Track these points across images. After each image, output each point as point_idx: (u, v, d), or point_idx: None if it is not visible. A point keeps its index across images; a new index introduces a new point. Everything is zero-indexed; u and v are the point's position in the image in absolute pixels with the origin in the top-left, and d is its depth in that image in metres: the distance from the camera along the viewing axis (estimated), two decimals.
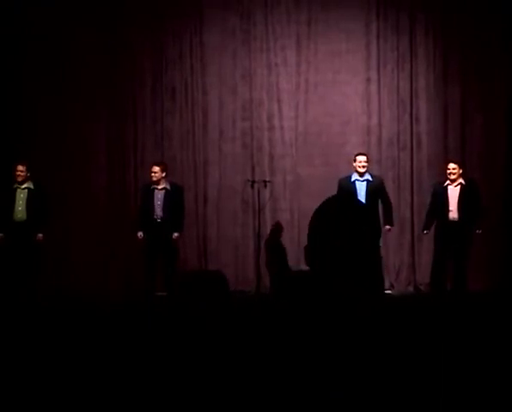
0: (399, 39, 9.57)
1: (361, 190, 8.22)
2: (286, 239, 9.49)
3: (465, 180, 8.33)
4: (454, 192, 8.24)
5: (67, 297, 8.73)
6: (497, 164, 9.42)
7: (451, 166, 8.29)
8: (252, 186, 9.18)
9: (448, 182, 8.29)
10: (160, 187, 8.53)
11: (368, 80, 9.58)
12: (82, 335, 5.79)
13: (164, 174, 8.53)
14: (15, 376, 4.40)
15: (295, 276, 8.82)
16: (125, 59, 9.70)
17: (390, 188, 9.15)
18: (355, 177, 8.31)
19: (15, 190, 8.48)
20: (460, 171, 8.29)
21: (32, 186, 8.51)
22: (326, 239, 7.52)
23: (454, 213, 8.18)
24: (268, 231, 9.50)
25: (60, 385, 4.22)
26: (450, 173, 8.26)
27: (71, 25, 9.51)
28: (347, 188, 8.23)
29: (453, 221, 8.18)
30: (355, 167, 8.32)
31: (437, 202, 8.33)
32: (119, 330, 5.99)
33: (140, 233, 8.50)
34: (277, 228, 9.42)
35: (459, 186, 8.26)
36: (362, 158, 8.36)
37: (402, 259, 9.52)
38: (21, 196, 8.46)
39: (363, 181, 8.28)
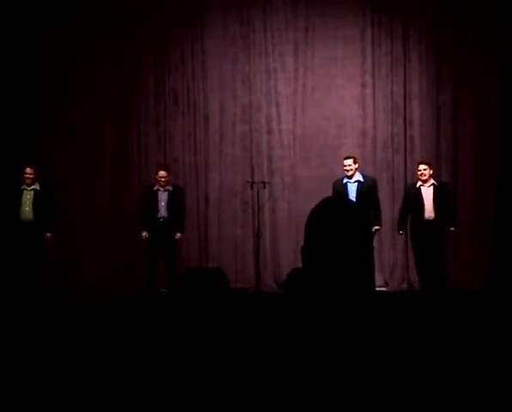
0: (393, 44, 9.67)
1: (352, 191, 8.38)
2: (284, 239, 9.70)
3: (437, 182, 8.43)
4: (427, 192, 8.33)
5: (71, 296, 8.79)
6: (488, 166, 9.50)
7: (422, 167, 8.38)
8: (252, 187, 9.17)
9: (420, 183, 8.39)
10: (163, 189, 8.72)
11: (364, 84, 9.70)
12: (87, 333, 5.91)
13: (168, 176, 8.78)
14: (20, 372, 4.52)
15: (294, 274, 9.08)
16: (130, 64, 9.87)
17: (384, 189, 9.33)
18: (346, 179, 8.48)
19: (22, 191, 8.61)
20: (431, 172, 8.38)
21: (38, 188, 8.66)
22: (318, 239, 7.73)
23: (429, 212, 8.26)
24: (267, 230, 9.67)
25: (64, 382, 4.31)
26: (421, 174, 8.34)
27: (78, 31, 9.68)
28: (339, 190, 8.38)
29: (428, 220, 8.26)
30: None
31: (411, 202, 8.39)
32: (124, 328, 6.14)
33: (145, 234, 8.66)
34: None
35: (431, 187, 8.36)
36: (346, 161, 8.49)
37: (396, 257, 9.63)
38: (28, 197, 8.60)
39: (354, 182, 8.45)
